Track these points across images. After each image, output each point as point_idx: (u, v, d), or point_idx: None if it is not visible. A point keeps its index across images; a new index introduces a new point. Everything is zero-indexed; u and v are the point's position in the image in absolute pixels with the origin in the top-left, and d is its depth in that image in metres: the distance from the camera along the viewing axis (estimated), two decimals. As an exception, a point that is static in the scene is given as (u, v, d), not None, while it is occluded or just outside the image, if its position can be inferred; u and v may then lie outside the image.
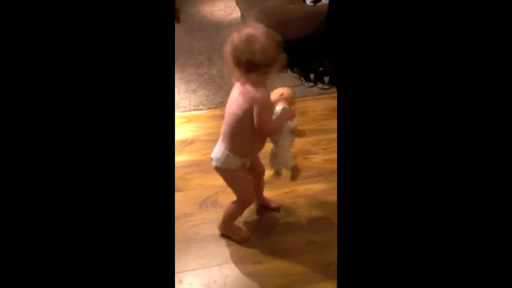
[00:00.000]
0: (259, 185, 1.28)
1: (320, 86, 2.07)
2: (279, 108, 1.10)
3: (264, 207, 1.35)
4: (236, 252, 1.21)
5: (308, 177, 1.47)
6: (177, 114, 1.88)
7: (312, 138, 1.66)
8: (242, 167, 1.09)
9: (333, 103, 1.91)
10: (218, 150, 1.07)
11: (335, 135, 1.61)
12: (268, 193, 1.41)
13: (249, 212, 1.33)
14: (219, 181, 1.47)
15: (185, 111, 1.92)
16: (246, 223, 1.30)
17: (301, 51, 2.16)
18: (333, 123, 1.76)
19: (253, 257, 1.19)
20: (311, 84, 2.08)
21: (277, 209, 1.34)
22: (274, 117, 1.06)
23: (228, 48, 0.91)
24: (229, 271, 1.15)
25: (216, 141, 1.69)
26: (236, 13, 2.90)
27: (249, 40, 0.88)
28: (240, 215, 1.22)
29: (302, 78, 2.11)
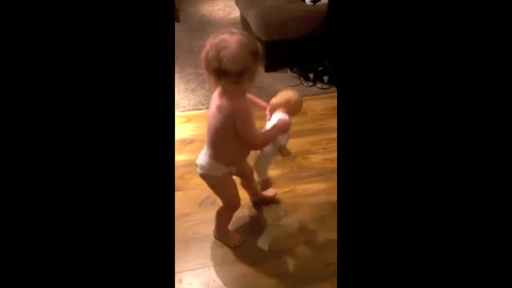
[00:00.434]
0: (251, 185, 1.27)
1: (319, 85, 2.07)
2: (276, 116, 1.05)
3: (262, 202, 1.35)
4: (235, 252, 1.21)
5: (307, 176, 1.47)
6: (176, 113, 1.89)
7: (312, 137, 1.66)
8: (228, 174, 1.07)
9: (332, 103, 1.91)
10: (203, 158, 1.03)
11: (334, 135, 1.62)
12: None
13: (248, 212, 1.34)
14: (218, 181, 1.48)
15: (184, 110, 1.92)
16: (245, 223, 1.30)
17: (300, 51, 2.16)
18: (333, 123, 1.76)
19: (252, 257, 1.19)
20: (310, 83, 2.08)
21: (274, 197, 1.36)
22: (268, 126, 1.03)
23: (202, 54, 0.88)
24: (229, 271, 1.15)
25: (215, 140, 1.70)
26: (235, 12, 2.90)
27: (219, 46, 0.84)
28: (230, 219, 1.21)
29: (301, 78, 2.11)
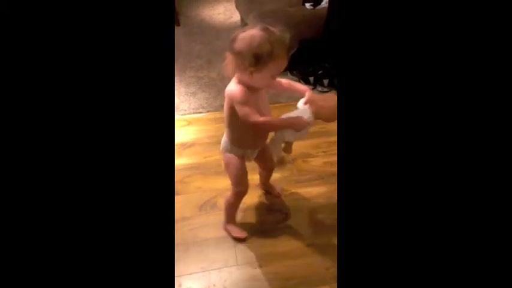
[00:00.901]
0: (266, 175, 1.35)
1: (319, 88, 2.07)
2: (299, 110, 1.03)
3: (267, 193, 1.41)
4: (235, 255, 1.21)
5: (308, 180, 1.47)
6: (176, 117, 1.89)
7: (312, 141, 1.66)
8: (240, 157, 1.12)
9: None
10: (223, 138, 1.13)
11: (335, 138, 1.62)
12: (266, 195, 1.41)
13: (249, 215, 1.33)
14: (218, 184, 1.48)
15: (185, 114, 1.92)
16: (245, 226, 1.29)
17: (300, 54, 2.17)
18: (333, 126, 1.75)
19: (252, 261, 1.19)
20: (310, 87, 2.09)
21: (278, 196, 1.39)
22: (288, 115, 1.02)
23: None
24: (229, 275, 1.15)
25: (215, 144, 1.70)
26: (236, 16, 2.91)
27: (244, 35, 0.91)
28: (236, 207, 1.23)
29: (301, 81, 2.12)
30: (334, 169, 1.50)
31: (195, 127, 1.83)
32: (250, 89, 0.97)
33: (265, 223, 1.32)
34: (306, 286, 1.11)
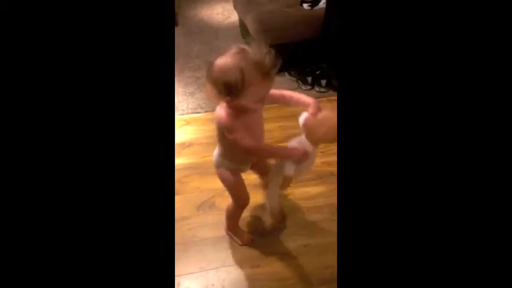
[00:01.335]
0: (265, 179, 1.32)
1: (317, 89, 2.08)
2: (295, 141, 0.95)
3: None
4: (234, 255, 1.21)
5: (306, 180, 1.47)
6: (175, 117, 1.89)
7: (310, 141, 1.66)
8: (234, 171, 1.10)
9: (330, 106, 1.91)
10: (215, 152, 1.12)
11: (332, 138, 1.62)
12: (263, 195, 1.41)
13: (246, 215, 1.33)
14: (216, 184, 1.47)
15: (183, 114, 1.92)
16: (243, 226, 1.30)
17: (298, 55, 2.17)
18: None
19: (250, 260, 1.19)
20: (308, 87, 2.09)
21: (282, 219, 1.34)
22: (291, 143, 0.95)
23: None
24: (227, 274, 1.15)
25: (214, 144, 1.70)
26: (234, 17, 2.91)
27: (217, 63, 0.87)
28: (238, 216, 1.23)
29: (299, 81, 2.12)
30: (332, 169, 1.51)
31: (193, 127, 1.83)
32: (239, 110, 0.91)
33: (264, 223, 1.32)
34: (303, 286, 1.12)
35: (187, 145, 1.70)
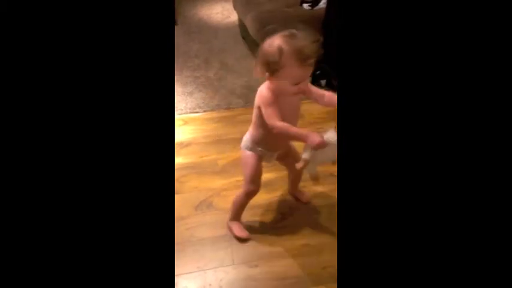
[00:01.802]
0: (293, 179, 1.35)
1: (317, 89, 2.07)
2: (327, 132, 0.98)
3: (297, 199, 1.40)
4: (231, 255, 1.20)
5: (304, 180, 1.46)
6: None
7: (309, 141, 1.65)
8: (258, 156, 1.13)
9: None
10: (245, 135, 1.15)
11: (331, 138, 1.61)
12: (263, 196, 1.40)
13: (246, 214, 1.32)
14: (214, 184, 1.47)
15: (182, 113, 1.91)
16: (242, 225, 1.29)
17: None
18: (330, 127, 1.76)
19: (248, 260, 1.18)
20: (308, 87, 2.09)
21: (306, 203, 1.39)
22: (326, 133, 0.97)
23: None
24: (225, 274, 1.15)
25: (212, 143, 1.70)
26: (233, 16, 2.91)
27: (266, 42, 0.95)
28: (243, 205, 1.23)
29: (299, 82, 2.12)
30: (331, 169, 1.50)
31: (191, 127, 1.82)
32: (277, 93, 0.98)
33: (262, 223, 1.31)
34: (302, 286, 1.11)
35: (186, 145, 1.69)
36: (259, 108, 1.03)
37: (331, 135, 0.97)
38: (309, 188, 1.44)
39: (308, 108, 1.89)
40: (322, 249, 1.21)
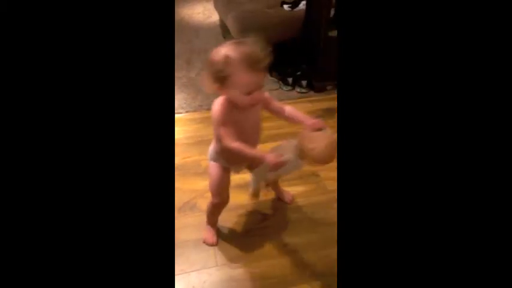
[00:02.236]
0: (274, 186, 1.35)
1: (298, 90, 2.10)
2: (282, 147, 0.93)
3: (278, 198, 1.41)
4: (214, 257, 1.21)
5: (286, 180, 1.48)
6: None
7: (290, 141, 1.67)
8: (223, 168, 1.10)
9: (311, 107, 1.94)
10: (211, 146, 1.12)
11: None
12: (245, 196, 1.40)
13: (227, 215, 1.33)
14: (197, 185, 1.47)
15: (163, 114, 1.90)
16: (224, 227, 1.30)
17: (278, 55, 2.18)
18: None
19: (231, 261, 1.19)
20: (289, 88, 2.11)
21: (289, 202, 1.39)
22: (274, 147, 0.94)
23: None
24: (208, 276, 1.15)
25: (194, 144, 1.69)
26: (215, 16, 2.90)
27: (213, 51, 0.91)
28: (214, 215, 1.23)
29: (280, 82, 2.14)
30: (313, 169, 1.53)
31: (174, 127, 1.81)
32: (231, 107, 0.93)
33: (244, 223, 1.32)
34: (285, 285, 1.13)
35: (168, 146, 1.68)
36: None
37: (288, 149, 0.91)
38: (291, 188, 1.45)
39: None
40: (303, 248, 1.23)
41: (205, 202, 1.39)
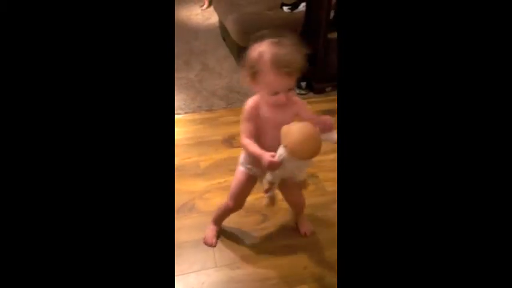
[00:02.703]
0: (294, 210, 1.30)
1: (297, 91, 2.10)
2: (279, 151, 0.88)
3: (296, 225, 1.33)
4: (213, 258, 1.20)
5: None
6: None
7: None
8: (248, 175, 1.09)
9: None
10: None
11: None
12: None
13: (228, 217, 1.33)
14: (196, 186, 1.47)
15: (162, 115, 1.90)
16: (223, 227, 1.29)
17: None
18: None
19: (230, 262, 1.19)
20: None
21: (304, 236, 1.29)
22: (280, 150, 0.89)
23: None
24: (207, 277, 1.15)
25: (193, 145, 1.69)
26: (214, 18, 2.90)
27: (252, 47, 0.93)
28: (222, 216, 1.23)
29: (280, 84, 2.13)
30: (312, 170, 1.53)
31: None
32: (266, 104, 0.95)
33: (244, 224, 1.32)
34: (284, 286, 1.12)
35: (167, 147, 1.68)
36: None
37: (281, 152, 0.88)
38: (290, 189, 1.45)
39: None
40: (302, 249, 1.23)
41: (204, 203, 1.39)
